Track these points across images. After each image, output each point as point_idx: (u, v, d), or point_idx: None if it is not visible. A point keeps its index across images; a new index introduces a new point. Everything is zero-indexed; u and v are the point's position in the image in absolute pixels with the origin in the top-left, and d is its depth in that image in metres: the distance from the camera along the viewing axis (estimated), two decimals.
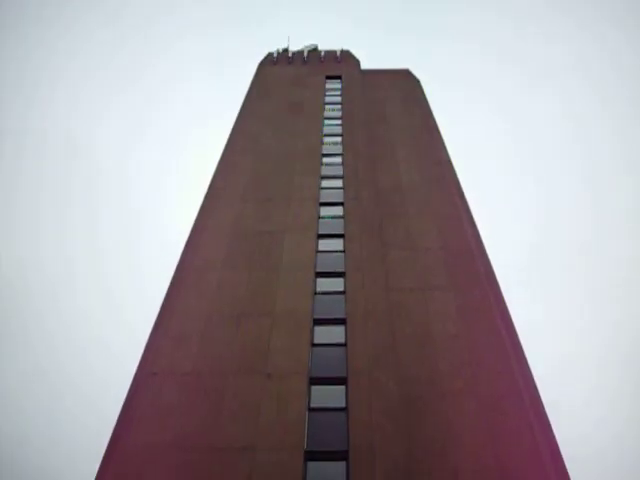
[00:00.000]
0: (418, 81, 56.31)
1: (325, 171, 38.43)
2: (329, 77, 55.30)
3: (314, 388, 22.86)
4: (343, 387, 22.79)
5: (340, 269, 29.12)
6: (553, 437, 22.29)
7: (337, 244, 31.03)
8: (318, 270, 29.08)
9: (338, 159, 40.08)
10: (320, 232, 32.03)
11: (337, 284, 28.13)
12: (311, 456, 20.29)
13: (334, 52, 61.16)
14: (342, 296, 27.40)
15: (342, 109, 48.18)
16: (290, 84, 53.74)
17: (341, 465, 20.00)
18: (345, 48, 61.79)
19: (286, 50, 61.71)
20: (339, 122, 45.87)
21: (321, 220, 33.15)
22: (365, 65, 59.04)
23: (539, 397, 23.80)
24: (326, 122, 45.99)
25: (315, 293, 27.62)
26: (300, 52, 61.32)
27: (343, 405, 22.08)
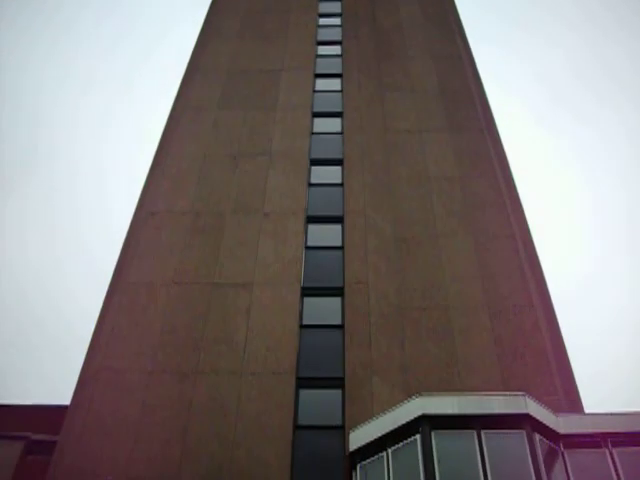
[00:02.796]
0: None
1: (323, 8, 36.33)
2: None
3: (310, 227, 22.74)
4: (339, 226, 22.70)
5: (337, 109, 28.18)
6: (542, 276, 22.51)
7: (335, 84, 29.87)
8: (315, 110, 28.11)
9: None
10: (317, 71, 30.70)
11: (334, 124, 27.32)
12: (308, 292, 20.50)
13: None
14: (339, 136, 26.66)
15: None
16: None
17: (336, 301, 20.24)
18: None
19: None
20: None
21: (318, 59, 31.74)
22: None
23: (532, 241, 23.80)
24: None
25: (312, 133, 26.84)
26: None
27: (339, 244, 22.10)
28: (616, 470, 14.41)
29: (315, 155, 25.78)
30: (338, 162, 25.38)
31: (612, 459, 14.59)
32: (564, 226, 78.45)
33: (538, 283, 21.78)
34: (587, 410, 18.33)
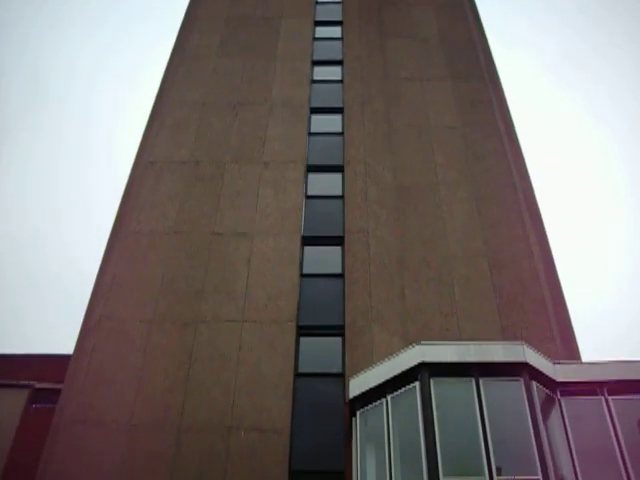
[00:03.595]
0: None
1: None
2: None
3: (310, 176, 22.41)
4: (339, 175, 22.37)
5: (338, 57, 27.54)
6: (542, 226, 22.34)
7: (335, 32, 29.14)
8: (315, 58, 27.47)
9: None
10: (317, 19, 29.89)
11: (334, 73, 26.73)
12: (308, 241, 20.30)
13: None
14: (339, 85, 26.08)
15: None
16: None
17: (336, 250, 20.07)
18: None
19: None
20: None
21: (318, 6, 30.92)
22: None
23: (532, 191, 23.55)
24: None
25: (312, 82, 26.25)
26: None
27: (339, 193, 21.82)
28: (611, 417, 14.51)
29: (315, 104, 25.27)
30: (338, 111, 24.91)
31: (608, 406, 14.67)
32: (566, 177, 78.05)
33: (538, 233, 21.61)
34: (584, 359, 18.38)
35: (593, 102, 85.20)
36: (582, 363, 16.90)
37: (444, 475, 13.20)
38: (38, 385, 22.35)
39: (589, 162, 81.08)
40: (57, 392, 18.43)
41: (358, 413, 15.57)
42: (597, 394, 14.86)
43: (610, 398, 14.74)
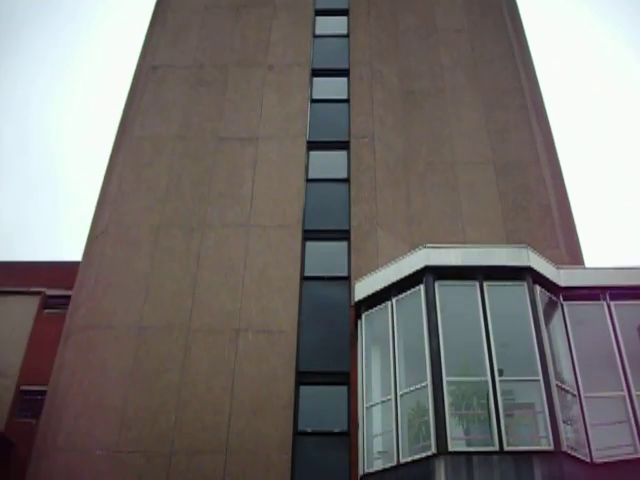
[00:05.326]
0: None
1: None
2: None
3: (316, 80, 21.52)
4: (345, 79, 21.50)
5: None
6: (550, 131, 21.76)
7: None
8: None
9: None
10: None
11: None
12: (313, 146, 19.70)
13: None
14: None
15: None
16: None
17: (342, 154, 19.53)
18: None
19: None
20: None
21: None
22: None
23: (541, 96, 22.80)
24: None
25: None
26: None
27: (345, 97, 21.01)
28: (612, 322, 14.39)
29: (320, 5, 24.00)
30: (344, 12, 23.73)
31: (609, 311, 14.53)
32: (576, 84, 76.01)
33: (545, 139, 20.98)
34: (588, 265, 18.16)
35: (609, 6, 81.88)
36: (586, 268, 16.70)
37: (447, 375, 13.19)
38: (49, 292, 22.40)
39: (600, 68, 78.78)
40: (68, 298, 18.38)
41: (363, 316, 15.47)
42: (599, 299, 14.68)
43: (612, 303, 14.58)
